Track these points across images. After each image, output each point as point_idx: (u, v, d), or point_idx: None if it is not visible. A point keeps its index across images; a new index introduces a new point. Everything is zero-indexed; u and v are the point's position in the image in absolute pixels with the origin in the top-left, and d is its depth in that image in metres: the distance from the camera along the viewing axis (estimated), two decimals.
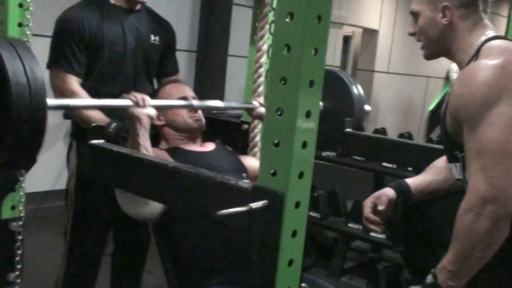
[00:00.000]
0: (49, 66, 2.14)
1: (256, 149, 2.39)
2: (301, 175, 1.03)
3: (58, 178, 4.53)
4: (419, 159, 2.29)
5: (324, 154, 3.05)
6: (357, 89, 2.50)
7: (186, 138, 1.99)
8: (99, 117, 2.08)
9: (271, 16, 2.38)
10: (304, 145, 1.02)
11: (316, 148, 1.05)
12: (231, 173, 1.89)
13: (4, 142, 1.18)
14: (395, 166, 2.72)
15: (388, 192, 1.77)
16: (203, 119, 2.04)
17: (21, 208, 1.73)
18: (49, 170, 4.30)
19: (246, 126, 2.43)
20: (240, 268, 1.65)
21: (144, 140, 1.75)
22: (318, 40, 0.99)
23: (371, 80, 7.88)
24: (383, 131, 4.26)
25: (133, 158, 1.34)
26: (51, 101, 1.32)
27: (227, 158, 2.02)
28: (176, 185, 1.22)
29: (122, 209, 1.78)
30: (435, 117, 8.64)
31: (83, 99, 1.65)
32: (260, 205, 1.02)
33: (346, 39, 8.11)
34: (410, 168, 2.63)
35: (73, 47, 2.10)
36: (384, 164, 2.79)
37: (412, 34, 1.68)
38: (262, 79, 2.40)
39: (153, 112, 1.76)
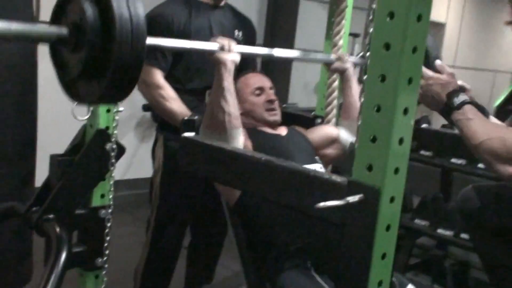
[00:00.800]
0: None
1: None
2: (396, 170, 1.05)
3: (127, 168, 4.69)
4: None
5: None
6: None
7: (262, 124, 2.05)
8: (182, 110, 2.16)
9: (348, 12, 2.40)
10: (401, 141, 1.04)
11: None
12: (306, 156, 1.99)
13: (107, 71, 1.22)
14: (464, 162, 2.68)
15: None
16: (279, 114, 2.08)
17: (110, 196, 1.82)
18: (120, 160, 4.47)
19: (319, 120, 2.46)
20: (315, 254, 1.73)
21: (228, 84, 1.80)
22: (417, 39, 1.01)
23: None
24: (450, 126, 4.19)
25: (225, 151, 1.39)
26: (150, 39, 1.37)
27: (301, 142, 2.08)
28: (269, 179, 1.26)
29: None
30: (502, 112, 8.40)
31: (177, 40, 1.70)
32: (356, 199, 1.04)
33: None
34: (479, 165, 2.59)
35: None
36: (453, 160, 2.75)
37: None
38: (336, 83, 2.42)
39: (238, 58, 1.80)
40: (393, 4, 0.99)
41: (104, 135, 1.77)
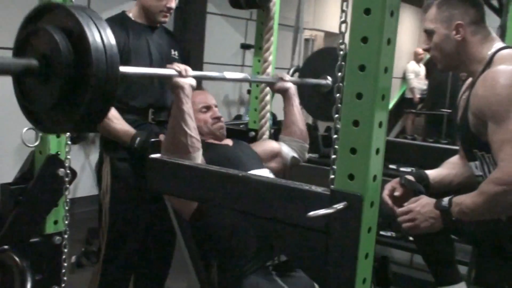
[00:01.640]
0: None
1: None
2: (374, 178, 1.16)
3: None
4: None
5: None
6: None
7: (212, 138, 2.14)
8: (126, 129, 2.17)
9: (275, 29, 2.52)
10: (377, 151, 1.16)
11: None
12: (255, 162, 2.11)
13: (83, 101, 1.23)
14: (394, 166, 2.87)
15: (409, 177, 1.96)
16: (225, 128, 2.17)
17: (66, 222, 1.80)
18: None
19: (253, 133, 2.56)
20: (273, 255, 1.87)
21: (188, 107, 1.86)
22: (389, 60, 1.14)
23: None
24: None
25: (200, 170, 1.45)
26: (123, 68, 1.42)
27: (248, 150, 2.20)
28: (250, 194, 1.33)
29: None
30: (392, 115, 8.97)
31: (139, 68, 1.74)
32: (341, 207, 1.15)
33: (307, 42, 8.32)
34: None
35: None
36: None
37: (426, 50, 1.88)
38: (268, 88, 2.53)
39: (194, 82, 1.86)
40: (369, 2, 1.11)
41: (55, 160, 1.75)
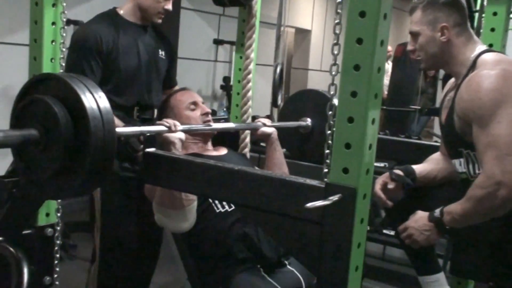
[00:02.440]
0: None
1: (247, 149, 2.60)
2: (367, 171, 1.24)
3: None
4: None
5: None
6: None
7: (200, 142, 2.17)
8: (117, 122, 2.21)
9: (257, 27, 2.58)
10: (370, 147, 1.23)
11: None
12: None
13: (83, 167, 1.32)
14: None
15: (398, 172, 2.06)
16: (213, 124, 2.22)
17: (58, 214, 1.83)
18: None
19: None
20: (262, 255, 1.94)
21: None
22: (382, 60, 1.21)
23: (305, 78, 8.22)
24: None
25: (197, 164, 1.50)
26: (119, 129, 1.51)
27: (239, 161, 2.22)
28: (246, 187, 1.39)
29: (160, 225, 1.97)
30: None
31: (132, 128, 1.79)
32: (336, 199, 1.22)
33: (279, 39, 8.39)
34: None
35: (90, 61, 2.19)
36: None
37: (411, 51, 1.96)
38: (250, 84, 2.59)
39: (183, 136, 1.90)
40: (364, 5, 1.17)
41: None
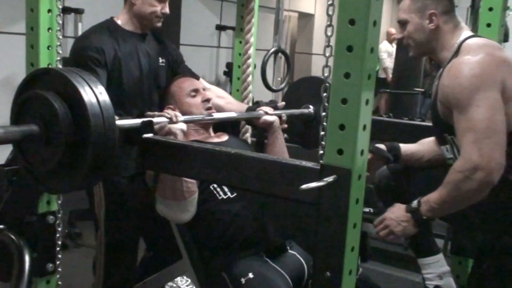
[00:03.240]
0: None
1: (247, 134, 2.59)
2: (362, 152, 1.24)
3: None
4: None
5: None
6: None
7: (201, 128, 2.16)
8: None
9: (256, 11, 2.58)
10: (364, 127, 1.23)
11: None
12: None
13: (84, 160, 1.35)
14: None
15: (381, 146, 2.06)
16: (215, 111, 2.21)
17: (59, 201, 1.84)
18: None
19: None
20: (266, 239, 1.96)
21: None
22: (374, 41, 1.21)
23: (309, 62, 8.19)
24: None
25: (194, 148, 1.51)
26: (118, 121, 1.52)
27: (240, 147, 2.20)
28: (243, 170, 1.40)
29: (161, 215, 1.99)
30: None
31: (134, 119, 1.77)
32: (331, 180, 1.22)
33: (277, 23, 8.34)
34: None
35: (95, 69, 2.14)
36: None
37: (401, 39, 1.96)
38: (250, 69, 2.59)
39: (184, 126, 1.89)
40: (354, 12, 1.18)
41: None
